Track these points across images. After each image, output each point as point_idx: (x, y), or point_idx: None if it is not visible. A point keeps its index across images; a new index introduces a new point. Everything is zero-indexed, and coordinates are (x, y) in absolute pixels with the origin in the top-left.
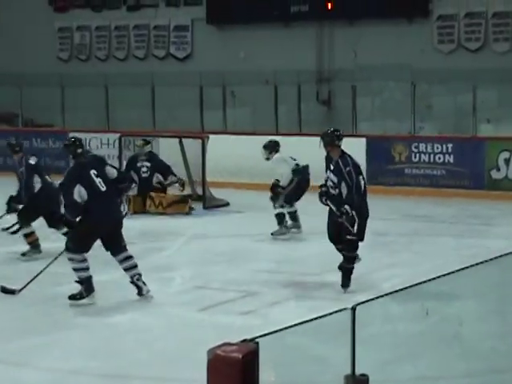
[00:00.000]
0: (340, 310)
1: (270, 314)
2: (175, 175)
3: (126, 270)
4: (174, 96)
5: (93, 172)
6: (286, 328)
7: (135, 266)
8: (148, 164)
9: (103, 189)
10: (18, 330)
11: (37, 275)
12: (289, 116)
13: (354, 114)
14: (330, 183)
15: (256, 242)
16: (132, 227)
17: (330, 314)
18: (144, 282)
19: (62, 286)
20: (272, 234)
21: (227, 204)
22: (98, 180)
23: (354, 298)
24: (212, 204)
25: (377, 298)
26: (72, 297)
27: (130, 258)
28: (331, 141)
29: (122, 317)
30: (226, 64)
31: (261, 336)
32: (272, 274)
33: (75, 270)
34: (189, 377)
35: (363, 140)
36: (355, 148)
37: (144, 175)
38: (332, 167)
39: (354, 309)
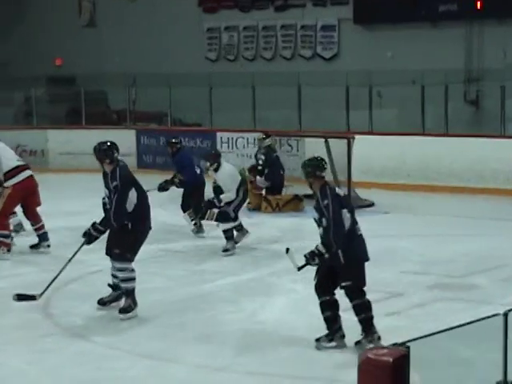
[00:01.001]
0: (492, 316)
1: (415, 316)
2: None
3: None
4: (320, 96)
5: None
6: (437, 332)
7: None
8: (263, 157)
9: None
10: (169, 325)
11: (55, 277)
12: (436, 116)
13: (503, 114)
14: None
15: (402, 243)
16: (275, 226)
17: (482, 319)
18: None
19: (212, 283)
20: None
21: (372, 204)
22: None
23: (503, 300)
24: (357, 204)
25: None
26: (123, 310)
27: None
28: (313, 171)
29: (269, 315)
30: (372, 64)
31: (411, 340)
32: (418, 275)
33: (125, 280)
34: (335, 376)
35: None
36: (503, 150)
37: (259, 167)
38: (315, 203)
39: (506, 314)
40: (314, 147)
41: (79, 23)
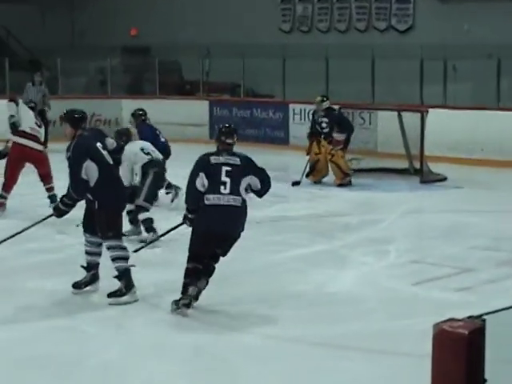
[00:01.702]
0: None
1: (486, 292)
2: (351, 131)
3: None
4: (393, 69)
5: (99, 145)
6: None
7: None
8: (326, 119)
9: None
10: (239, 295)
11: (15, 234)
12: (511, 91)
13: None
14: None
15: (474, 218)
16: (347, 199)
17: None
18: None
19: (283, 254)
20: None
21: (445, 179)
22: (105, 152)
23: None
24: (429, 178)
25: None
26: (111, 294)
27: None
28: None
29: (339, 287)
30: (447, 37)
31: (488, 313)
32: (489, 251)
33: (114, 259)
34: (404, 350)
35: None
36: None
37: (325, 130)
38: None
39: None
40: (386, 120)
41: None
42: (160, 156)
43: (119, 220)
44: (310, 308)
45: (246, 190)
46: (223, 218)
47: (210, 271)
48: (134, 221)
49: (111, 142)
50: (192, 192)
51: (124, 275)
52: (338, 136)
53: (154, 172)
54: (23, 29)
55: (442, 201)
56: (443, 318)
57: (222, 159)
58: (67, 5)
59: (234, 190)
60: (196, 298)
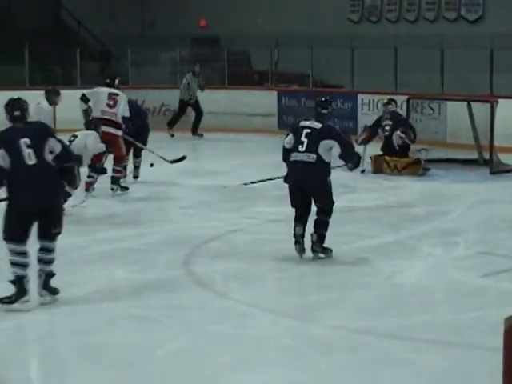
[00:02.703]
0: None
1: None
2: (413, 133)
3: (38, 260)
4: (463, 59)
5: (24, 141)
6: None
7: (49, 262)
8: (390, 122)
9: (31, 162)
10: (307, 285)
11: None
12: None
13: None
14: None
15: None
16: (414, 190)
17: None
18: (48, 287)
19: (351, 245)
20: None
21: None
22: (27, 151)
23: None
24: (499, 169)
25: None
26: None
27: (49, 251)
28: None
29: (407, 278)
30: None
31: None
32: None
33: (12, 264)
34: (473, 342)
35: None
36: None
37: (386, 133)
38: None
39: None
40: (455, 111)
41: None
42: None
43: (20, 224)
44: (377, 299)
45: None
46: (298, 173)
47: (320, 223)
48: None
49: (55, 145)
50: (284, 149)
51: (15, 281)
52: (397, 139)
53: None
54: (94, 19)
55: (510, 191)
56: None
57: (307, 123)
58: None
59: (310, 149)
60: (303, 239)
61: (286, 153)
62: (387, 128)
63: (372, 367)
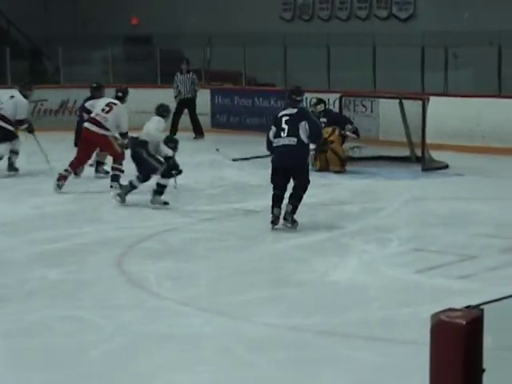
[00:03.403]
0: None
1: (489, 279)
2: (352, 123)
3: None
4: (395, 57)
5: None
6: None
7: None
8: (325, 120)
9: None
10: (242, 284)
11: None
12: None
13: None
14: None
15: (476, 205)
16: (348, 187)
17: None
18: None
19: (285, 243)
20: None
21: (446, 166)
22: None
23: None
24: (431, 166)
25: None
26: None
27: None
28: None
29: (341, 275)
30: (448, 25)
31: (486, 303)
32: (491, 238)
33: None
34: (406, 338)
35: None
36: None
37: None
38: None
39: None
40: (388, 108)
41: None
42: None
43: None
44: (312, 297)
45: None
46: (282, 155)
47: (296, 196)
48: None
49: None
50: (267, 141)
51: None
52: (351, 135)
53: None
54: (25, 18)
55: (444, 188)
56: (446, 305)
57: (285, 112)
58: None
59: (290, 133)
60: (279, 217)
61: (270, 144)
62: (323, 125)
63: (308, 365)
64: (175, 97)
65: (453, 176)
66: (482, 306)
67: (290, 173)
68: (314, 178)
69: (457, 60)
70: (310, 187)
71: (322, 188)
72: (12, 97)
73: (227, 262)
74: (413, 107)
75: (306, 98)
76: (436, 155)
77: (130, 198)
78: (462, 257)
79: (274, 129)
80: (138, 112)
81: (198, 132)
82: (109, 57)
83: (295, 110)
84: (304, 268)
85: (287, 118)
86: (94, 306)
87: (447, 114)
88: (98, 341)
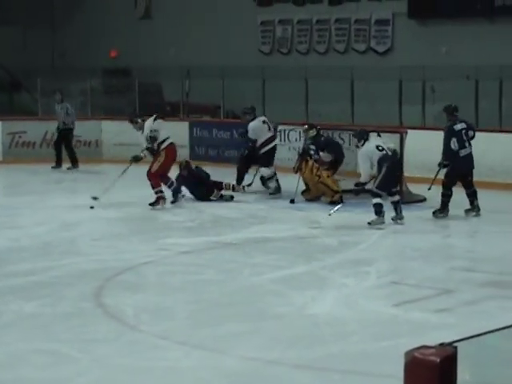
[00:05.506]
0: None
1: (466, 313)
2: (340, 152)
3: None
4: (373, 90)
5: None
6: (486, 333)
7: None
8: (313, 146)
9: None
10: (220, 317)
11: None
12: (489, 112)
13: None
14: None
15: (453, 239)
16: (327, 220)
17: None
18: None
19: (263, 276)
20: (369, 223)
21: (424, 199)
22: None
23: None
24: (409, 199)
25: None
26: None
27: None
28: None
29: (319, 309)
30: (426, 59)
31: (459, 340)
32: (469, 272)
33: None
34: (383, 372)
35: None
36: None
37: (315, 157)
38: None
39: None
40: None
41: (135, 15)
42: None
43: None
44: (290, 330)
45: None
46: (469, 162)
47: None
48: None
49: None
50: (450, 151)
51: None
52: (325, 156)
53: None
54: (3, 49)
55: (422, 222)
56: (423, 339)
57: (459, 126)
58: (48, 26)
59: (469, 143)
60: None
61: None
62: (312, 153)
63: None
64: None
65: (431, 209)
66: (455, 344)
67: (468, 177)
68: (292, 211)
69: (434, 94)
70: (287, 220)
71: (300, 221)
72: None
73: (205, 294)
74: (391, 140)
75: (285, 131)
76: (414, 188)
77: (109, 228)
78: (440, 291)
79: (454, 140)
80: (116, 144)
81: (74, 162)
82: (87, 89)
83: (464, 124)
84: (282, 301)
85: (465, 130)
86: (70, 339)
87: (425, 148)
88: (75, 374)
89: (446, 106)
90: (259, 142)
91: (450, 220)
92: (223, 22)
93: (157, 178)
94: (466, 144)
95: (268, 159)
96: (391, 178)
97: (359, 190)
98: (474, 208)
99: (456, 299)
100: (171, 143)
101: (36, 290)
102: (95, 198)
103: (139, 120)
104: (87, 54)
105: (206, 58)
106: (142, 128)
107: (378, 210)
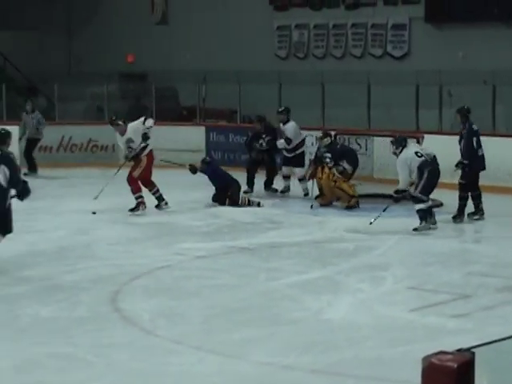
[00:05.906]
0: None
1: (483, 319)
2: (354, 160)
3: None
4: (389, 95)
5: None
6: (504, 339)
7: None
8: (329, 154)
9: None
10: (235, 322)
11: None
12: (507, 117)
13: None
14: None
15: (471, 244)
16: (342, 224)
17: None
18: None
19: (278, 281)
20: (415, 229)
21: (441, 204)
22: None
23: None
24: None
25: None
26: None
27: None
28: None
29: (335, 314)
30: (443, 63)
31: (477, 346)
32: (486, 277)
33: None
34: (399, 377)
35: None
36: None
37: (329, 165)
38: None
39: None
40: (382, 146)
41: (151, 20)
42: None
43: None
44: (305, 335)
45: None
46: (484, 162)
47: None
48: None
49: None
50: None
51: None
52: (349, 169)
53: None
54: (21, 55)
55: (439, 227)
56: (439, 344)
57: (476, 127)
58: (65, 31)
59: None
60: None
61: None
62: (328, 160)
63: None
64: (19, 138)
65: (447, 214)
66: (473, 349)
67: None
68: (308, 215)
69: (451, 98)
70: (303, 224)
71: (315, 225)
72: None
73: (220, 299)
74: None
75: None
76: (432, 193)
77: (125, 233)
78: (457, 296)
79: (475, 139)
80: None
81: (32, 167)
82: (104, 94)
83: (475, 127)
84: (297, 306)
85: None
86: (86, 343)
87: (442, 152)
88: (90, 379)
89: (460, 108)
90: (294, 143)
91: (466, 225)
92: (239, 26)
93: (137, 183)
94: (481, 144)
95: (300, 161)
96: (433, 182)
97: (399, 197)
98: (478, 211)
99: (473, 304)
100: (151, 150)
101: (52, 295)
102: (95, 198)
103: (120, 122)
104: (104, 59)
105: (222, 63)
106: (122, 130)
107: (423, 215)
